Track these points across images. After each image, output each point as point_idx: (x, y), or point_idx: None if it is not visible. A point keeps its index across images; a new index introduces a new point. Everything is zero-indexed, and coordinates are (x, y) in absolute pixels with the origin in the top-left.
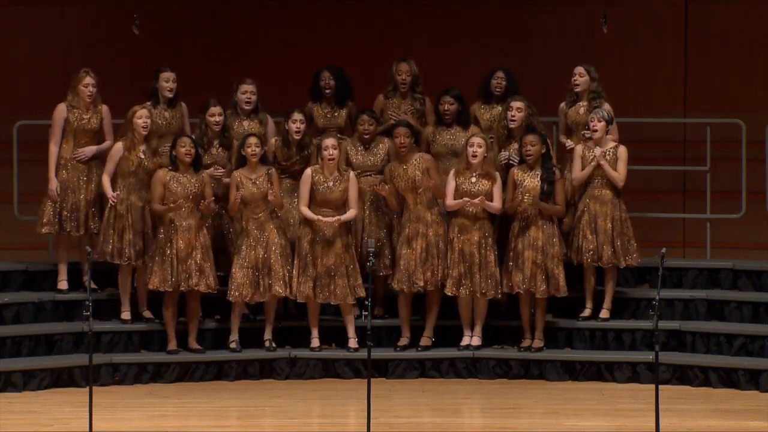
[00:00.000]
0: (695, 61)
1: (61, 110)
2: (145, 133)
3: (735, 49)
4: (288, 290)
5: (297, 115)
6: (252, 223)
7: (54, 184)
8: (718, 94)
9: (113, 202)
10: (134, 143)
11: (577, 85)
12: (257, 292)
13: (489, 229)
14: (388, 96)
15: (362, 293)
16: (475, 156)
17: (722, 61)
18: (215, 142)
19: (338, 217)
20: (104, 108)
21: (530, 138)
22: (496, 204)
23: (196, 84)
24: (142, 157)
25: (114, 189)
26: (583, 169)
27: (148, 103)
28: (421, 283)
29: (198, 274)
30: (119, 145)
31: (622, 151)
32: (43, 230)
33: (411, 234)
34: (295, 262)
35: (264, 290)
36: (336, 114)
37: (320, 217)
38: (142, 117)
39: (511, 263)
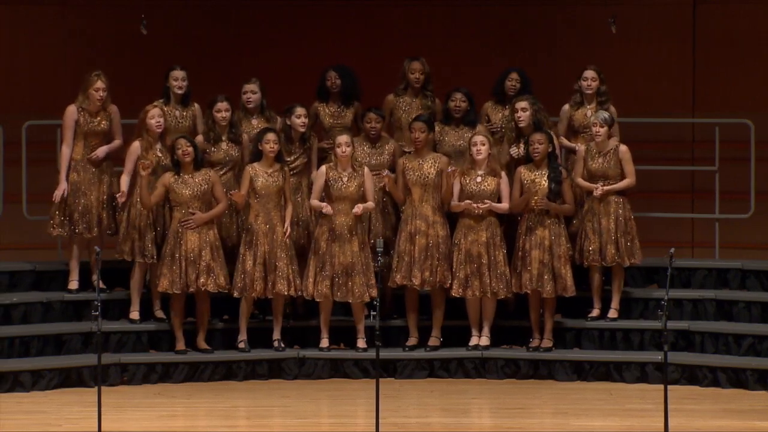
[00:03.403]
0: (703, 61)
1: (71, 112)
2: (159, 131)
3: (743, 48)
4: (292, 289)
5: (300, 110)
6: (261, 218)
7: (63, 188)
8: (726, 94)
9: (120, 201)
10: (150, 143)
11: (590, 88)
12: (263, 288)
13: (496, 228)
14: (398, 94)
15: (375, 293)
16: (480, 153)
17: (730, 61)
18: (223, 137)
19: (365, 206)
20: (113, 108)
21: (537, 137)
22: (504, 204)
23: (202, 83)
24: (160, 155)
25: (133, 188)
26: (584, 171)
27: (161, 101)
28: (417, 282)
29: (206, 273)
30: (137, 145)
31: (624, 151)
32: (55, 233)
33: (412, 230)
34: (312, 261)
35: (269, 287)
36: (343, 113)
37: (325, 204)
38: (154, 117)
39: (519, 263)
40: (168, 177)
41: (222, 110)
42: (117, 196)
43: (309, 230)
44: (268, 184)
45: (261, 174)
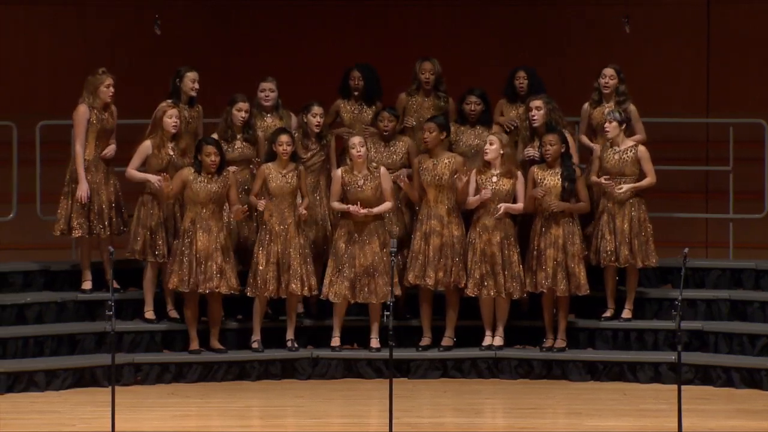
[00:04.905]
0: (717, 61)
1: (84, 112)
2: (174, 131)
3: (757, 49)
4: (306, 289)
5: (317, 109)
6: (275, 218)
7: (85, 186)
8: (740, 94)
9: (159, 184)
10: (163, 141)
11: (607, 87)
12: (276, 288)
13: (510, 228)
14: (411, 94)
15: (398, 291)
16: (486, 153)
17: (745, 61)
18: (238, 136)
19: (369, 209)
20: (114, 108)
21: (549, 137)
22: (519, 204)
23: (218, 85)
24: (172, 154)
25: (143, 187)
26: (599, 169)
27: (170, 101)
28: (431, 282)
29: (219, 276)
30: (148, 144)
31: (643, 151)
32: (75, 234)
33: (427, 230)
34: (330, 262)
35: (282, 287)
36: (364, 112)
37: (352, 207)
38: (172, 117)
39: (533, 262)
40: (187, 173)
41: (243, 110)
42: (157, 180)
43: (327, 230)
44: (281, 186)
45: (275, 175)
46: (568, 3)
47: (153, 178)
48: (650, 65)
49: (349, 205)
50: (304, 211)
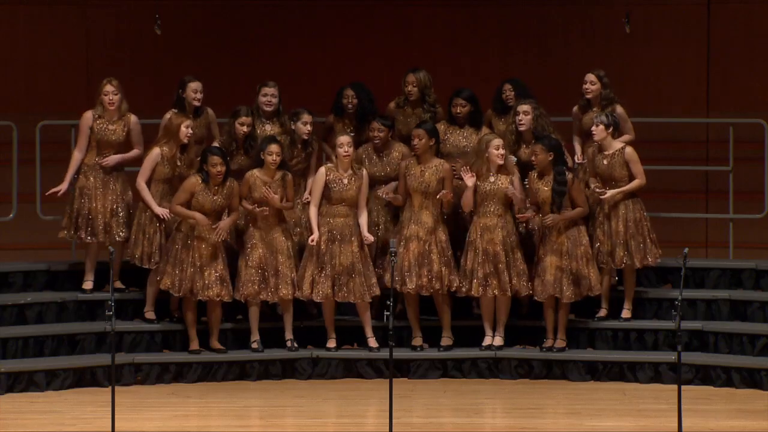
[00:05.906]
0: (718, 61)
1: (87, 118)
2: (186, 142)
3: (757, 48)
4: (297, 291)
5: (307, 117)
6: (259, 222)
7: (62, 188)
8: (740, 94)
9: (167, 217)
10: (173, 151)
11: (589, 92)
12: (263, 291)
13: (512, 227)
14: (400, 105)
15: (377, 291)
16: (501, 159)
17: (745, 61)
18: (240, 150)
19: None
20: (132, 118)
21: (535, 147)
22: (520, 195)
23: (219, 85)
24: (179, 164)
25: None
26: (596, 175)
27: (174, 111)
28: (412, 285)
29: (219, 284)
30: (157, 151)
31: (630, 153)
32: (59, 235)
33: (409, 234)
34: (309, 262)
35: (270, 291)
36: (361, 132)
37: (313, 237)
38: (189, 127)
39: (532, 268)
40: (195, 182)
41: (246, 124)
42: (165, 215)
43: (310, 231)
44: (265, 195)
45: (260, 185)
46: (568, 3)
47: (160, 211)
48: (651, 65)
49: (314, 236)
50: (274, 205)
